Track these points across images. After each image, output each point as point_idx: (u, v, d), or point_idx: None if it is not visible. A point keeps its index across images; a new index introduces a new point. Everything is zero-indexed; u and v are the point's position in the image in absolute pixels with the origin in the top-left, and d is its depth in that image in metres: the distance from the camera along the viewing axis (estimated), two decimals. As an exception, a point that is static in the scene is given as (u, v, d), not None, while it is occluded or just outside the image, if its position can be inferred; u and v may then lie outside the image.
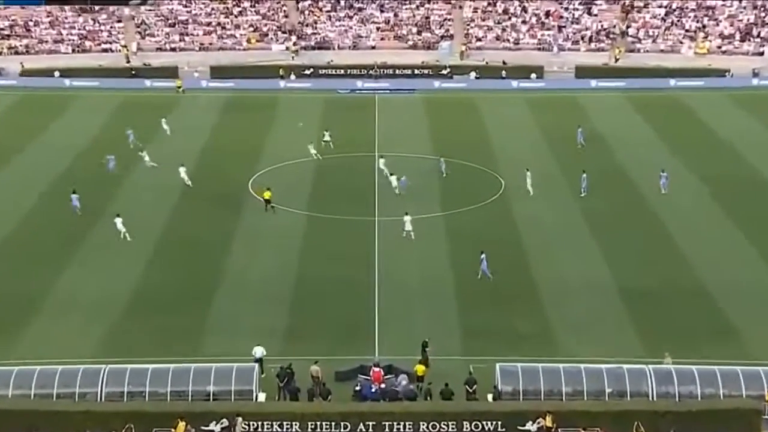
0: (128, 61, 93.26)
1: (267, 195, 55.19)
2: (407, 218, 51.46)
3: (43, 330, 41.63)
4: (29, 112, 78.28)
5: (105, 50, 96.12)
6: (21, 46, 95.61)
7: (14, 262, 48.38)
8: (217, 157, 65.93)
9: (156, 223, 53.26)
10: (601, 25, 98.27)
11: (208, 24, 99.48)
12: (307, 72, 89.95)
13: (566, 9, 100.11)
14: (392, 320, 42.77)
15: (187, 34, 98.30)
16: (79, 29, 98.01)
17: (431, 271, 47.67)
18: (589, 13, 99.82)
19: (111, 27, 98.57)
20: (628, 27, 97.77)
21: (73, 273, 47.13)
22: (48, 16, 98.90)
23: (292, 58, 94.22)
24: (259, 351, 38.52)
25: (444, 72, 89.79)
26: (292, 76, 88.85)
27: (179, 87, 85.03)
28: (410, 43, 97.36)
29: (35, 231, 52.31)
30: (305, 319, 43.00)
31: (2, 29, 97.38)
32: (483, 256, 46.57)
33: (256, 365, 37.08)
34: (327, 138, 67.23)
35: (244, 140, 69.43)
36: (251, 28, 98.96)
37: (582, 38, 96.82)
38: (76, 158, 64.40)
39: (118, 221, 51.20)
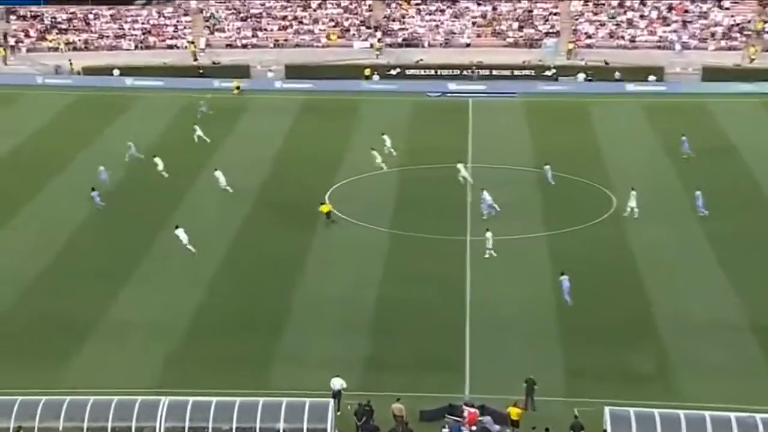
0: (195, 59, 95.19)
1: (324, 209, 56.20)
2: (489, 235, 51.54)
3: (98, 355, 42.53)
4: (86, 114, 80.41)
5: (170, 47, 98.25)
6: (80, 41, 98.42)
7: (66, 280, 49.61)
8: (292, 165, 66.72)
9: (222, 239, 54.09)
10: (734, 21, 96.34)
11: (284, 18, 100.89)
12: (393, 72, 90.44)
13: (692, 2, 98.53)
14: (486, 353, 42.51)
15: (261, 30, 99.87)
16: (142, 23, 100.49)
17: (531, 299, 47.28)
18: (720, 7, 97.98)
19: (177, 21, 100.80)
20: (766, 23, 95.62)
21: (130, 292, 48.12)
22: (110, 9, 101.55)
23: (377, 56, 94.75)
24: (337, 383, 38.69)
25: (548, 73, 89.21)
26: (376, 77, 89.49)
27: (237, 87, 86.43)
28: (510, 40, 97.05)
29: (89, 246, 53.62)
30: (386, 349, 43.03)
31: (59, 23, 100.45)
32: (564, 277, 46.24)
33: (332, 401, 37.20)
34: (388, 144, 67.89)
35: (321, 148, 70.12)
36: (331, 23, 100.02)
37: (711, 35, 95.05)
38: (136, 165, 65.84)
39: (180, 232, 52.33)
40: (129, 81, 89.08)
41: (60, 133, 74.89)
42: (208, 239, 53.66)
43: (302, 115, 79.63)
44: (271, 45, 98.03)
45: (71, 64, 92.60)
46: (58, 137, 73.49)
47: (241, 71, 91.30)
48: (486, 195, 57.01)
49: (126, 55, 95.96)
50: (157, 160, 64.41)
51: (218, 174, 61.17)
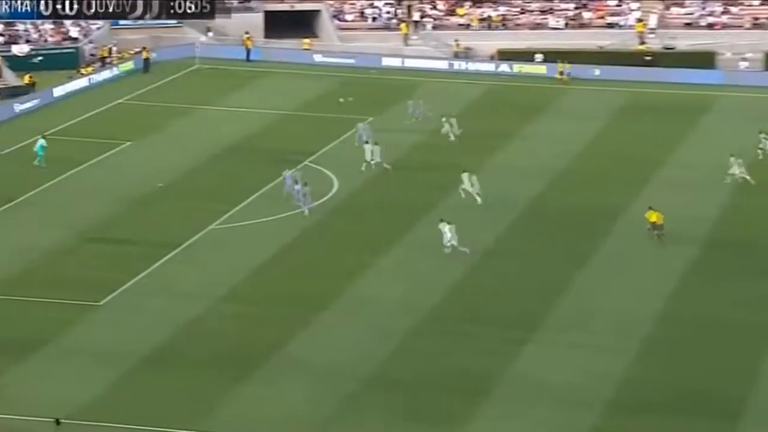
0: (642, 42, 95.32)
1: (652, 216, 56.43)
2: None
3: (499, 419, 43.49)
4: (500, 111, 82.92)
5: (609, 25, 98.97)
6: (497, 17, 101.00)
7: (463, 326, 51.12)
8: (759, 188, 65.65)
9: (659, 287, 53.86)
10: None
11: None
12: None
13: None
14: None
15: (734, 4, 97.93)
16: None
17: None
18: None
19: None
20: None
21: (541, 341, 49.08)
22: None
23: None
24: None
25: None
26: None
27: (561, 73, 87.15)
28: None
29: (486, 283, 55.00)
30: None
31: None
32: None
33: None
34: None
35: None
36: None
37: None
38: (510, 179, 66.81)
39: (444, 227, 55.05)
40: (560, 68, 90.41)
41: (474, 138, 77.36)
42: (641, 284, 53.99)
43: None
44: (749, 25, 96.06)
45: (457, 44, 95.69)
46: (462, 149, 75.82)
47: (702, 59, 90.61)
48: None
49: (552, 36, 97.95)
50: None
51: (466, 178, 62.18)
